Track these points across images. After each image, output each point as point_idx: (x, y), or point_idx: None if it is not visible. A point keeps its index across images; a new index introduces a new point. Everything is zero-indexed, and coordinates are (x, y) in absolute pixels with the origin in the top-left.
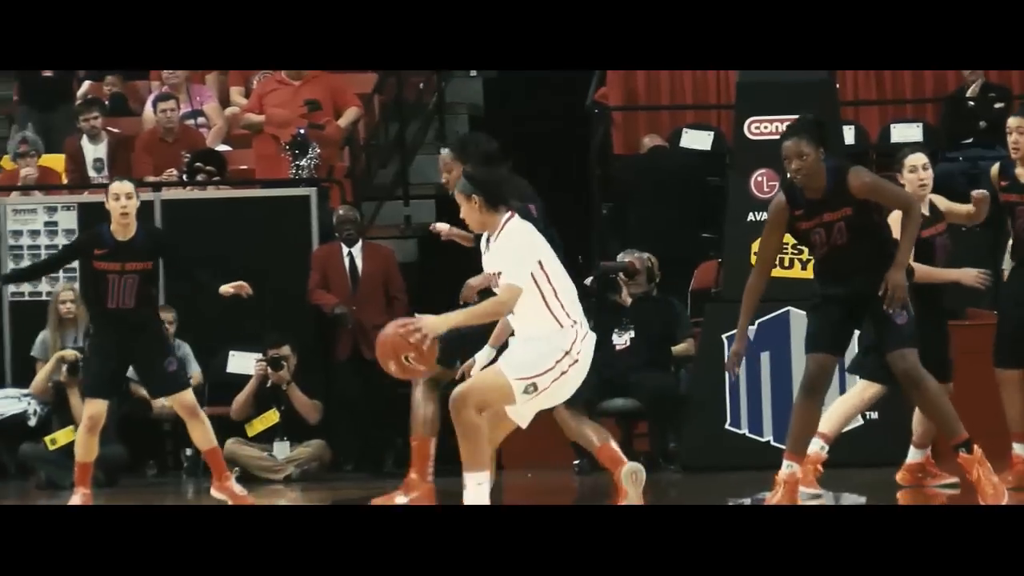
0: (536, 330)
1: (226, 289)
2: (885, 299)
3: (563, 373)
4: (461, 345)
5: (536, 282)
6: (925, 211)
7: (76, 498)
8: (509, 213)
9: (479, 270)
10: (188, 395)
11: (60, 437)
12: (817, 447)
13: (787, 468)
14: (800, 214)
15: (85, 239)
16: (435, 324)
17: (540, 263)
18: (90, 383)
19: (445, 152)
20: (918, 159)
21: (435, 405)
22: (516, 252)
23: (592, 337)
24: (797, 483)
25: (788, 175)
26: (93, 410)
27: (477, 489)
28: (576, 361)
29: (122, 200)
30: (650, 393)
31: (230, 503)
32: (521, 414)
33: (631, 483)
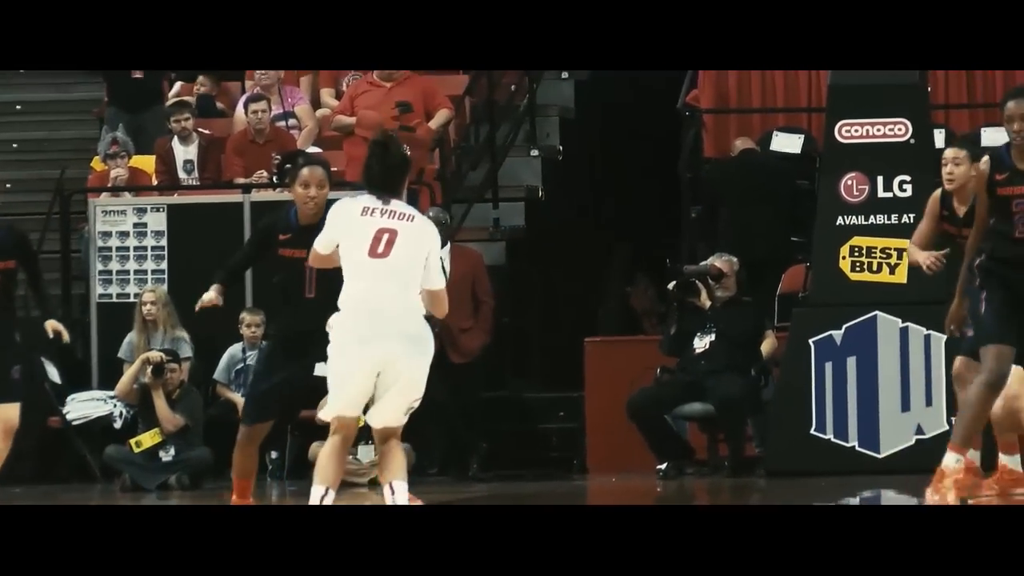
0: None
1: (52, 325)
2: None
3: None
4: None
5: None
6: None
7: None
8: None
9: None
10: (14, 410)
11: (145, 440)
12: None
13: (955, 463)
14: (1003, 178)
15: None
16: None
17: (336, 243)
18: None
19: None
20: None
21: None
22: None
23: (352, 315)
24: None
25: (1009, 137)
26: None
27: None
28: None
29: None
30: (720, 399)
31: None
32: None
33: None
